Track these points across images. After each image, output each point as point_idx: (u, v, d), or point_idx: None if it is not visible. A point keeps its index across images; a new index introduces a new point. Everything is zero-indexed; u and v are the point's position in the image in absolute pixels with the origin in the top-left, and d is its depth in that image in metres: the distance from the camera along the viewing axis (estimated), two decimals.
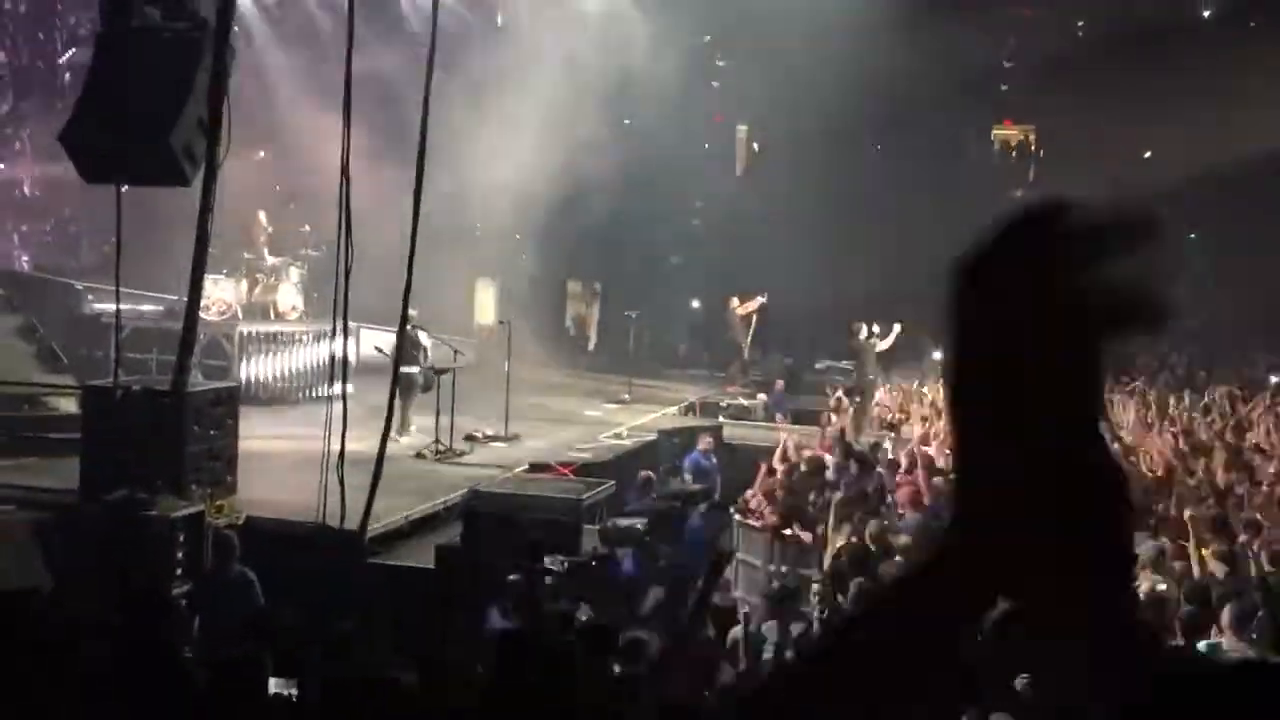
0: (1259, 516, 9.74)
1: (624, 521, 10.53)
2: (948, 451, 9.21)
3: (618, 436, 15.54)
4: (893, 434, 15.95)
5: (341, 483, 9.09)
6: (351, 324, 10.12)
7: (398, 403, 11.69)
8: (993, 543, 0.75)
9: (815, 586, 9.15)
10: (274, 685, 5.83)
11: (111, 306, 12.07)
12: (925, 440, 13.39)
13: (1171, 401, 16.43)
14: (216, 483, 9.94)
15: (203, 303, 11.70)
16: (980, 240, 0.76)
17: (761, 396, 20.13)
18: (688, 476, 13.70)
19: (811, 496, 11.69)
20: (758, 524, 11.58)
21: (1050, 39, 25.01)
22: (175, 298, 14.12)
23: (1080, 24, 25.75)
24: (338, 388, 10.12)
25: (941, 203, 22.92)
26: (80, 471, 9.64)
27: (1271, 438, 13.31)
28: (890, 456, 13.20)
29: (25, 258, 22.15)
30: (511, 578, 8.38)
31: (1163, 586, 8.06)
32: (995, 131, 28.11)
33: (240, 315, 17.30)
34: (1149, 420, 14.90)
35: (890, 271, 19.46)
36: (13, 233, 22.61)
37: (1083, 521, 0.74)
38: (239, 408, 10.77)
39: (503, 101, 18.56)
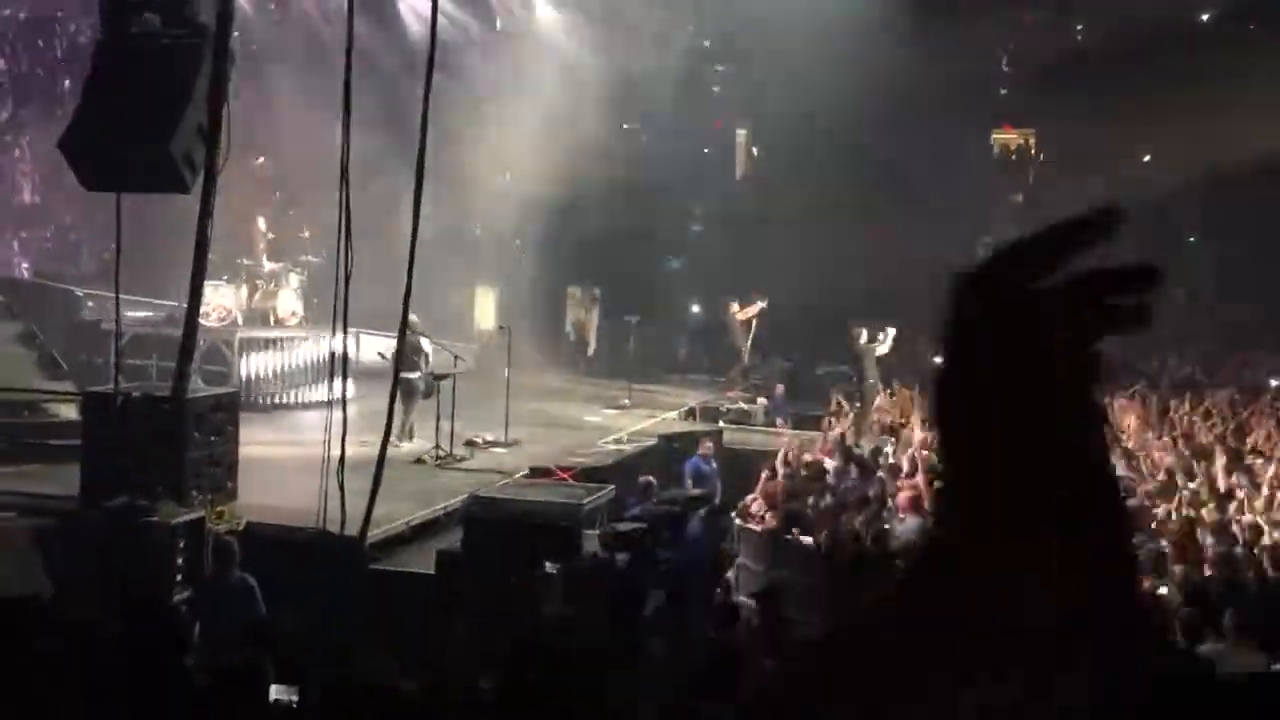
0: (1259, 519, 9.75)
1: (624, 526, 10.52)
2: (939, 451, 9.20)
3: (618, 441, 15.52)
4: (893, 438, 15.94)
5: (342, 488, 9.10)
6: (351, 329, 10.10)
7: (400, 409, 11.69)
8: (992, 543, 0.75)
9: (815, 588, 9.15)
10: (275, 691, 5.84)
11: (111, 313, 12.07)
12: (926, 444, 13.37)
13: (1172, 405, 16.42)
14: (217, 489, 9.93)
15: (203, 309, 11.71)
16: (980, 258, 0.77)
17: (762, 401, 20.10)
18: (688, 481, 13.69)
19: (812, 500, 11.69)
20: (758, 528, 11.58)
21: (1050, 43, 25.01)
22: (175, 304, 14.11)
23: (1080, 28, 25.76)
24: (338, 392, 10.12)
25: (941, 207, 22.99)
26: (81, 478, 9.63)
27: (1272, 441, 13.32)
28: (891, 461, 13.20)
29: (25, 265, 22.14)
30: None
31: (1163, 590, 8.07)
32: (995, 136, 28.03)
33: (240, 321, 17.32)
34: (1150, 424, 14.91)
35: (890, 276, 19.44)
36: (12, 240, 22.57)
37: (1083, 521, 0.75)
38: (239, 413, 10.75)
39: (502, 106, 18.58)
